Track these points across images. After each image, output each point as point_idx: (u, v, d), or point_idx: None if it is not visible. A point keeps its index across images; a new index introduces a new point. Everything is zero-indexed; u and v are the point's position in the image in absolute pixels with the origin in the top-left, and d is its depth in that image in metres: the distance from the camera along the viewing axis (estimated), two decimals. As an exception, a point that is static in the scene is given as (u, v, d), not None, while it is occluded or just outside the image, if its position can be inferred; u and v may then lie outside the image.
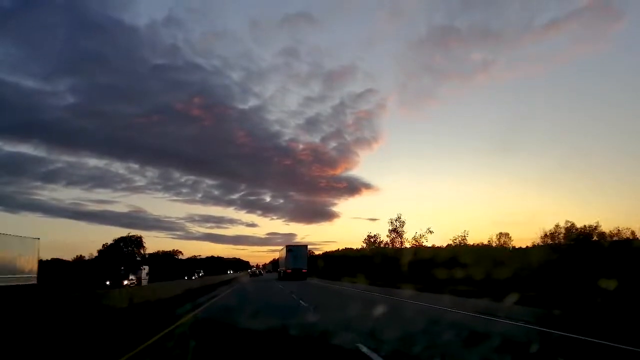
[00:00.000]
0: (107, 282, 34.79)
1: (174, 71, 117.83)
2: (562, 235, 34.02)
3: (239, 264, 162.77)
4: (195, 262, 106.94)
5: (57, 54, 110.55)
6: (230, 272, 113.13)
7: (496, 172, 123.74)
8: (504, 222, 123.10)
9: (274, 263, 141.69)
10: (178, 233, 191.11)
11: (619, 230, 34.30)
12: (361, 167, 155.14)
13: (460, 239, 43.90)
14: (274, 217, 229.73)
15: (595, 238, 32.45)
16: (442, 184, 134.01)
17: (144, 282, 36.22)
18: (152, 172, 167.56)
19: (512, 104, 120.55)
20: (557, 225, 34.75)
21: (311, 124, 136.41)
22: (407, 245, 47.03)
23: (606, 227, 34.46)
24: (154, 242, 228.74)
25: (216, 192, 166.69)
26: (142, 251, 77.27)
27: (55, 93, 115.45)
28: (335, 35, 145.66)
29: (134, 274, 37.81)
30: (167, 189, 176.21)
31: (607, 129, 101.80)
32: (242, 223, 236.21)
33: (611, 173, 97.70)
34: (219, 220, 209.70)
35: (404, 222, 49.69)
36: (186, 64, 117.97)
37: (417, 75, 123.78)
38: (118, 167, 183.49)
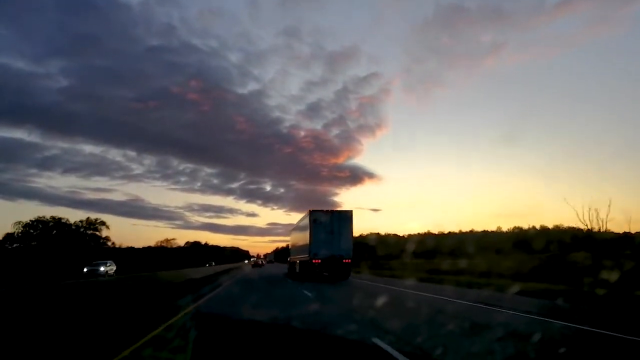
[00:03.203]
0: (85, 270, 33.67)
1: (169, 52, 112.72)
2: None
3: (236, 254, 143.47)
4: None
5: (48, 34, 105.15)
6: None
7: (505, 161, 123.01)
8: (511, 213, 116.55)
9: (277, 253, 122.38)
10: (177, 222, 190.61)
11: None
12: (364, 156, 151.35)
13: None
14: (275, 207, 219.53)
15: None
16: (448, 173, 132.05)
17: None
18: (149, 160, 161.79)
19: (522, 88, 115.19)
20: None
21: (313, 109, 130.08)
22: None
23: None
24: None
25: (215, 181, 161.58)
26: None
27: (48, 75, 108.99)
28: (337, 15, 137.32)
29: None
30: (165, 177, 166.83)
31: (622, 115, 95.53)
32: (242, 213, 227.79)
33: (627, 160, 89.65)
34: (219, 210, 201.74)
35: None
36: (182, 45, 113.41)
37: (423, 58, 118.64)
38: (115, 154, 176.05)
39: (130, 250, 72.98)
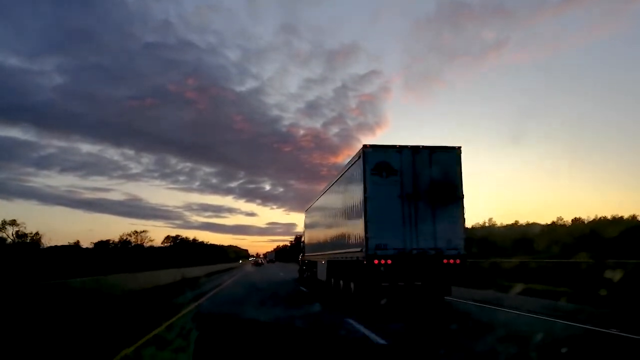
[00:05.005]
0: None
1: (166, 49, 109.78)
2: None
3: (231, 254, 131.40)
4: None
5: (43, 30, 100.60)
6: None
7: (506, 158, 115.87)
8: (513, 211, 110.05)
9: (278, 251, 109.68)
10: (176, 222, 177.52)
11: None
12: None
13: None
14: (274, 207, 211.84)
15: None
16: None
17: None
18: (147, 159, 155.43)
19: (524, 86, 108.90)
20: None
21: (312, 107, 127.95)
22: None
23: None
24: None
25: (214, 180, 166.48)
26: None
27: (42, 72, 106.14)
28: (336, 12, 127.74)
29: None
30: (163, 176, 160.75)
31: (626, 111, 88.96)
32: (241, 212, 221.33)
33: (632, 158, 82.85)
34: (218, 209, 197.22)
35: None
36: (179, 42, 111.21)
37: (423, 55, 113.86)
38: (112, 153, 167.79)
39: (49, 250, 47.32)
